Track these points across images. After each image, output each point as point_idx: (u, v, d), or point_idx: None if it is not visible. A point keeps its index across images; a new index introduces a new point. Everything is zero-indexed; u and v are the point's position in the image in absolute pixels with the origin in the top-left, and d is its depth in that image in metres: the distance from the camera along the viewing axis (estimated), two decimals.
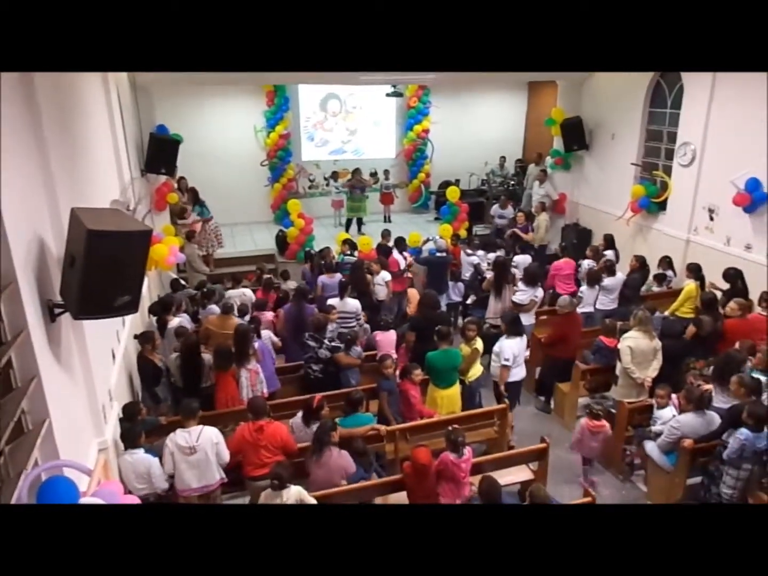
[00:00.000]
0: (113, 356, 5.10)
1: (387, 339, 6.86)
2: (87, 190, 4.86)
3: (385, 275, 8.55)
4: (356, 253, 9.79)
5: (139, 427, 4.79)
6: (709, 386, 5.78)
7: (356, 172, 12.69)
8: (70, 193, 3.99)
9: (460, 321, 8.74)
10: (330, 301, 7.52)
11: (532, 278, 7.88)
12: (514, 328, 6.44)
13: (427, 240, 9.91)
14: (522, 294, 7.84)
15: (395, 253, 9.13)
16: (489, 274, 8.35)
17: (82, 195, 4.54)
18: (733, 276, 7.61)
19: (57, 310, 3.33)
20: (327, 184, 13.73)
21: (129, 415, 4.95)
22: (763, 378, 5.47)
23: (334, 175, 13.45)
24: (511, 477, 5.58)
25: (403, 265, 9.06)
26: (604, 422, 5.73)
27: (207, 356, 6.22)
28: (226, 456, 4.89)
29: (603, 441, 5.78)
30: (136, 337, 6.28)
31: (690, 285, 7.78)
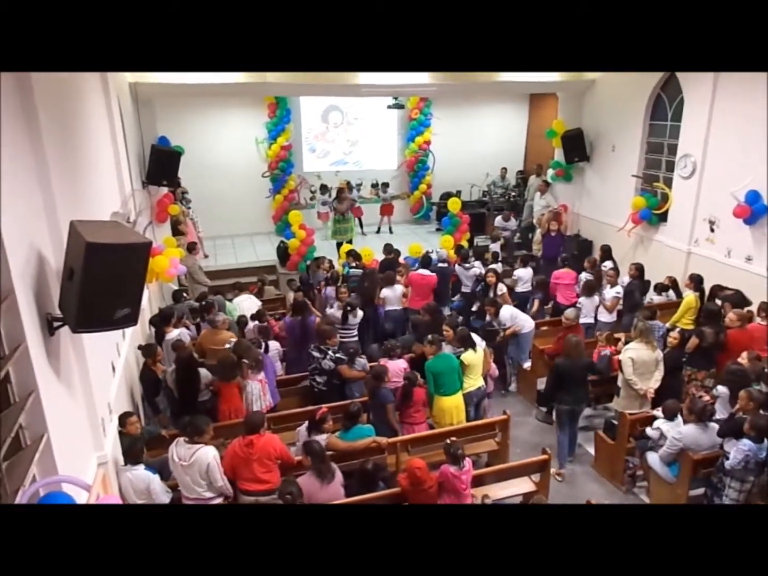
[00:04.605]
0: (113, 369, 5.07)
1: (395, 368, 6.32)
2: (87, 202, 4.86)
3: (398, 288, 8.44)
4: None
5: (141, 443, 4.72)
6: (710, 397, 5.77)
7: (341, 191, 12.03)
8: (69, 205, 3.98)
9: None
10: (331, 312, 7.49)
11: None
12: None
13: (428, 252, 9.87)
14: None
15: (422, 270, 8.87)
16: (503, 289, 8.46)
17: (82, 207, 4.53)
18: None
19: (56, 324, 3.31)
20: (312, 198, 13.61)
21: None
22: None
23: (323, 189, 13.31)
24: (513, 489, 5.55)
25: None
26: None
27: (203, 370, 6.17)
28: (219, 480, 4.65)
29: None
30: (140, 348, 6.29)
31: (690, 296, 7.73)
